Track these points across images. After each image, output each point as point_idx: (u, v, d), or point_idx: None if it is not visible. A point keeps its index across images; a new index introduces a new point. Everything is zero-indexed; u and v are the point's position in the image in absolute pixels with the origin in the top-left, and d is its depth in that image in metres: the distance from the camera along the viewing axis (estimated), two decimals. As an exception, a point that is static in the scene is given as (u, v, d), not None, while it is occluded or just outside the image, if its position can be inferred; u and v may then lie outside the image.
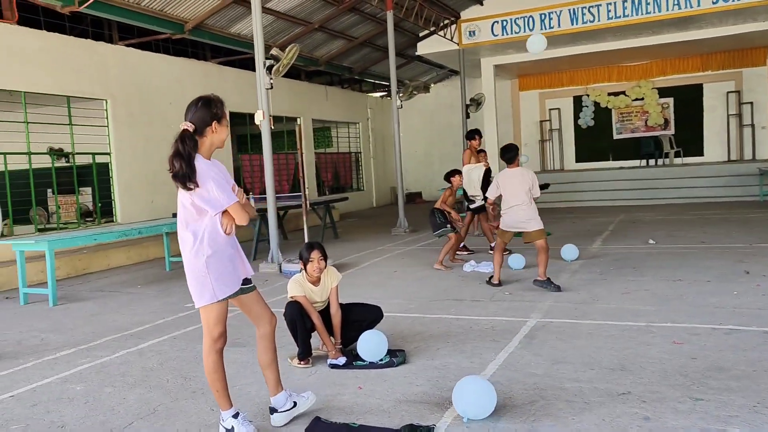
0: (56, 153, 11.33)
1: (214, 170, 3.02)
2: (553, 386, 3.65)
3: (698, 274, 6.63)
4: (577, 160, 20.21)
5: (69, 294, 7.95)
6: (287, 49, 8.35)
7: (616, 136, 19.76)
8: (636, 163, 18.84)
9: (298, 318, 4.37)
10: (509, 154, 6.80)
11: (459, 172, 8.45)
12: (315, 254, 4.43)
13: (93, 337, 5.64)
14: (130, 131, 11.56)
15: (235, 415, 3.21)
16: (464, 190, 9.23)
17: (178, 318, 6.23)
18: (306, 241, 4.55)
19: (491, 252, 9.07)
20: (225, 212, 3.04)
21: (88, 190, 11.86)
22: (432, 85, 22.31)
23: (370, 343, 4.36)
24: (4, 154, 9.77)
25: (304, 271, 4.49)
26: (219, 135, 3.10)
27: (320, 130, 19.52)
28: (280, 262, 8.63)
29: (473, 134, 9.55)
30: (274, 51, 8.35)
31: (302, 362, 4.40)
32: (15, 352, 5.28)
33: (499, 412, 3.34)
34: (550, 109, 20.50)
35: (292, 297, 4.44)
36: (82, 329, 5.97)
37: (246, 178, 15.17)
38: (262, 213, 9.54)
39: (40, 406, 3.88)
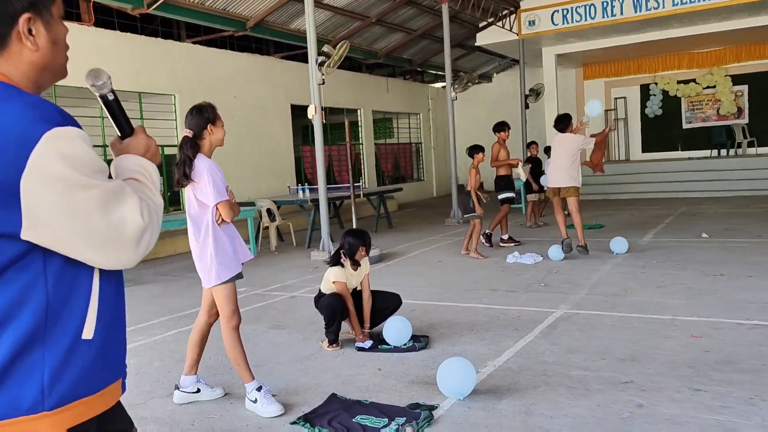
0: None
1: (213, 169, 3.40)
2: (559, 373, 3.81)
3: (741, 270, 6.51)
4: (644, 151, 19.66)
5: (136, 277, 8.60)
6: (338, 46, 8.67)
7: (685, 126, 19.08)
8: (706, 153, 18.14)
9: (339, 311, 4.65)
10: (561, 124, 8.06)
11: (482, 150, 8.49)
12: (365, 246, 4.72)
13: (151, 317, 6.17)
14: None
15: (259, 388, 3.55)
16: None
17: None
18: (361, 232, 4.81)
19: (502, 245, 9.17)
20: (217, 207, 3.40)
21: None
22: (495, 75, 22.18)
23: (395, 329, 4.63)
24: (82, 146, 10.61)
25: (345, 257, 4.74)
26: (216, 135, 3.49)
27: (381, 121, 19.83)
28: (330, 251, 9.00)
29: (502, 126, 9.48)
30: (325, 48, 8.69)
31: (332, 346, 4.71)
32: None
33: (502, 395, 3.54)
34: (616, 98, 19.99)
35: (335, 281, 4.70)
36: (143, 309, 6.53)
37: (306, 168, 15.69)
38: (317, 203, 9.93)
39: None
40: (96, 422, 1.27)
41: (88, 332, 1.24)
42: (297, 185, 13.11)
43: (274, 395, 3.67)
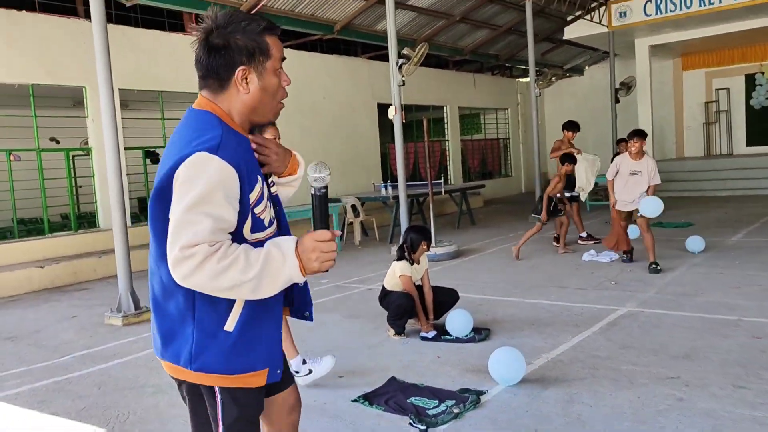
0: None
1: None
2: (608, 367, 3.97)
3: (829, 272, 6.27)
4: (749, 144, 18.57)
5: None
6: (417, 48, 8.99)
7: (795, 117, 17.87)
8: (818, 146, 16.94)
9: (408, 310, 5.00)
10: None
11: (572, 161, 8.55)
12: (427, 241, 5.08)
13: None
14: (286, 124, 12.97)
15: (303, 362, 3.99)
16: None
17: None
18: (423, 229, 5.21)
19: (580, 242, 9.12)
20: None
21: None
22: (586, 68, 21.68)
23: (457, 321, 4.92)
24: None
25: (408, 252, 5.07)
26: None
27: (469, 117, 19.94)
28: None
29: (571, 126, 9.39)
30: (405, 50, 9.03)
31: (398, 335, 5.06)
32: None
33: (548, 383, 3.77)
34: (718, 89, 18.99)
35: (401, 275, 5.05)
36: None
37: (392, 165, 16.12)
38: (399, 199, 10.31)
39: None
40: (224, 390, 1.69)
41: (229, 325, 1.63)
42: (382, 182, 13.57)
43: (340, 376, 4.09)
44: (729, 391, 3.44)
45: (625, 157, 7.20)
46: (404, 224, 9.60)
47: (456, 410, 3.46)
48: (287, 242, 1.57)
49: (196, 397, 1.76)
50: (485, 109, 19.96)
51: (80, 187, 11.79)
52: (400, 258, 5.11)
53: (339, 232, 1.67)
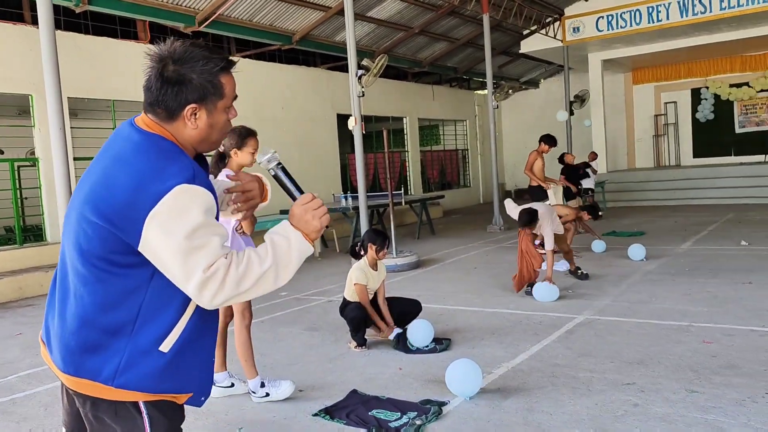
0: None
1: None
2: (567, 375, 4.02)
3: (773, 278, 6.51)
4: (695, 156, 19.26)
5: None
6: (376, 60, 9.03)
7: (738, 130, 18.62)
8: (760, 158, 17.66)
9: (362, 321, 4.99)
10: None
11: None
12: (375, 245, 5.06)
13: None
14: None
15: (262, 384, 3.96)
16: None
17: (270, 305, 7.09)
18: (378, 232, 5.22)
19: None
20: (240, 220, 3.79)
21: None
22: (542, 81, 22.17)
23: (418, 331, 4.92)
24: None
25: (366, 257, 5.07)
26: (240, 159, 3.86)
27: (428, 128, 20.11)
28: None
29: (549, 140, 9.56)
30: (364, 62, 9.07)
31: (359, 347, 5.02)
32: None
33: (509, 393, 3.79)
34: (666, 103, 19.67)
35: (355, 284, 5.04)
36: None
37: (352, 176, 16.11)
38: (359, 210, 10.29)
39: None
40: (147, 404, 1.65)
41: (165, 346, 1.61)
42: (342, 193, 13.54)
43: (300, 390, 4.02)
44: (682, 396, 3.52)
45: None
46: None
47: (418, 422, 3.45)
48: (282, 226, 1.66)
49: (111, 417, 1.65)
50: (444, 120, 20.18)
51: (26, 198, 11.39)
52: (352, 254, 5.17)
53: (317, 195, 1.71)
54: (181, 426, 1.77)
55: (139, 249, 1.54)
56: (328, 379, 4.34)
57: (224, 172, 3.83)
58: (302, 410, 3.78)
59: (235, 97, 1.72)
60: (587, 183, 13.54)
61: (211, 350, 1.74)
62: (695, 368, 3.96)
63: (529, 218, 6.40)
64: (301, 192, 1.71)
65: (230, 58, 1.73)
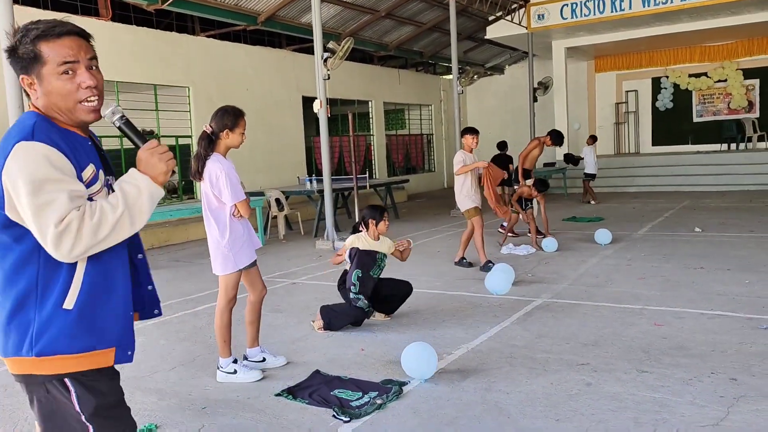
0: (148, 134, 12.61)
1: (229, 170, 3.79)
2: (524, 356, 4.16)
3: (722, 263, 6.78)
4: (654, 144, 19.75)
5: (150, 262, 9.05)
6: (342, 42, 9.01)
7: (696, 119, 19.14)
8: (716, 147, 18.21)
9: (359, 322, 5.04)
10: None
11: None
12: (374, 219, 5.13)
13: (162, 299, 6.59)
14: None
15: (235, 361, 4.01)
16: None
17: (233, 286, 7.10)
18: (375, 207, 5.26)
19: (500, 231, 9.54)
20: (236, 205, 3.81)
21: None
22: (507, 67, 22.35)
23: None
24: (99, 137, 11.06)
25: (366, 231, 5.13)
26: (231, 140, 3.87)
27: (393, 113, 20.13)
28: (334, 240, 9.39)
29: (556, 138, 9.44)
30: (330, 44, 9.03)
31: (324, 330, 5.06)
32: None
33: (468, 373, 3.90)
34: (627, 91, 20.08)
35: (351, 246, 5.10)
36: (153, 292, 6.96)
37: (317, 159, 16.06)
38: (324, 193, 10.30)
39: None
40: (75, 381, 1.70)
41: (68, 303, 1.67)
42: (307, 176, 13.51)
43: (263, 371, 4.07)
44: (633, 376, 3.69)
45: (465, 153, 7.44)
46: (329, 218, 9.63)
47: (379, 401, 3.53)
48: (130, 173, 1.71)
49: (44, 396, 1.72)
50: (409, 104, 20.22)
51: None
52: (354, 232, 5.22)
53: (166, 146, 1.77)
54: (119, 400, 1.80)
55: (6, 213, 1.63)
56: (292, 359, 4.39)
57: (215, 157, 3.82)
58: (265, 390, 3.83)
59: (72, 61, 1.70)
60: (589, 168, 13.83)
61: (122, 300, 1.76)
62: (646, 349, 4.14)
63: None
64: (145, 141, 1.76)
65: (61, 23, 1.74)
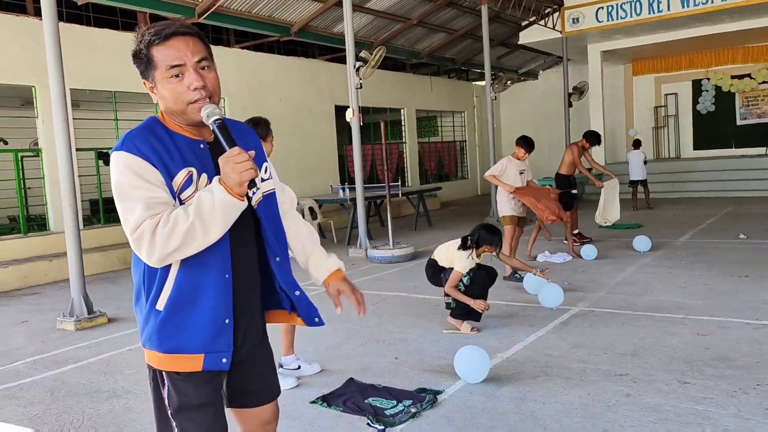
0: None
1: None
2: (561, 366, 4.09)
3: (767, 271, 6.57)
4: (695, 148, 19.25)
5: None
6: (374, 51, 9.05)
7: (739, 122, 18.60)
8: (761, 150, 17.66)
9: (488, 284, 5.15)
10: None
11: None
12: (493, 246, 5.06)
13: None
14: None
15: (279, 365, 4.05)
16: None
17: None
18: (495, 232, 5.21)
19: (565, 242, 9.33)
20: None
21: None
22: (541, 72, 22.14)
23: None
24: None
25: (475, 251, 5.07)
26: (266, 149, 3.90)
27: (425, 120, 20.12)
28: (367, 248, 9.41)
29: (592, 139, 9.32)
30: (362, 53, 9.08)
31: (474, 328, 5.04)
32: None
33: (503, 382, 3.86)
34: (666, 94, 19.65)
35: (458, 271, 5.01)
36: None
37: (350, 167, 16.13)
38: (356, 202, 10.34)
39: (148, 358, 4.90)
40: (170, 377, 1.79)
41: (160, 304, 1.75)
42: (339, 184, 13.59)
43: (298, 378, 4.11)
44: (674, 387, 3.59)
45: (511, 159, 7.24)
46: (361, 226, 9.65)
47: (413, 410, 3.52)
48: (213, 181, 1.69)
49: (150, 384, 1.85)
50: (442, 111, 20.17)
51: (29, 188, 11.43)
52: (463, 247, 5.08)
53: (253, 153, 1.70)
54: (203, 405, 1.79)
55: None
56: (326, 367, 4.41)
57: None
58: (300, 397, 3.85)
59: (178, 65, 1.70)
60: (637, 175, 13.43)
61: (212, 309, 1.75)
62: (688, 360, 4.03)
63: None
64: (232, 147, 1.69)
65: (169, 24, 1.75)
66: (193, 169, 1.73)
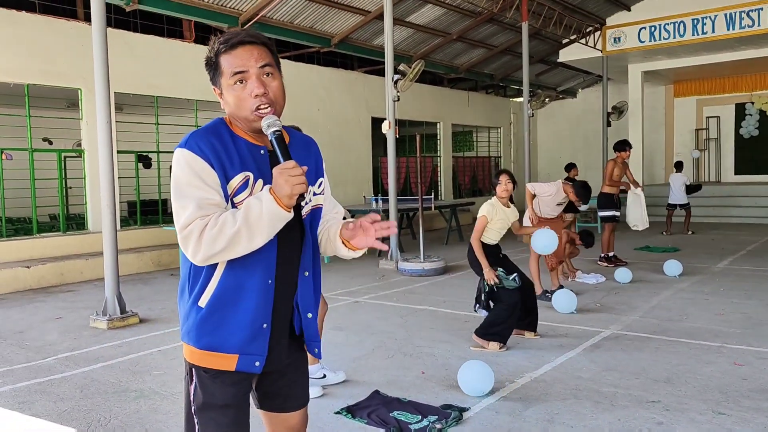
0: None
1: None
2: (590, 389, 4.00)
3: (811, 302, 6.35)
4: (737, 173, 18.79)
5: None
6: (413, 65, 9.08)
7: (783, 148, 18.12)
8: (805, 177, 17.17)
9: (518, 305, 4.99)
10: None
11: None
12: (503, 177, 5.19)
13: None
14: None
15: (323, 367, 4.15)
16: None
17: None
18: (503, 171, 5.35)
19: (599, 263, 9.17)
20: None
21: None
22: (579, 91, 21.93)
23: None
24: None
25: (496, 193, 5.22)
26: None
27: (461, 134, 20.07)
28: (398, 260, 9.39)
29: (622, 146, 9.11)
30: (401, 66, 9.13)
31: (502, 347, 4.97)
32: (168, 318, 6.54)
33: (531, 403, 3.79)
34: (708, 117, 19.25)
35: (482, 215, 5.10)
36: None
37: (384, 179, 16.18)
38: (388, 213, 10.34)
39: (177, 360, 4.96)
40: (203, 372, 1.82)
41: (203, 301, 1.79)
42: (373, 195, 13.62)
43: (323, 387, 4.10)
44: (708, 417, 3.48)
45: (560, 190, 7.01)
46: (393, 238, 9.64)
47: (438, 426, 3.48)
48: (263, 189, 1.72)
49: (184, 377, 1.89)
50: (478, 127, 20.10)
51: (70, 188, 11.74)
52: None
53: (306, 168, 1.72)
54: (226, 406, 1.81)
55: None
56: (351, 378, 4.39)
57: None
58: (324, 408, 3.84)
59: (240, 72, 1.76)
60: (677, 199, 13.04)
61: (251, 312, 1.77)
62: (724, 390, 3.91)
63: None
64: (287, 159, 1.72)
65: (237, 33, 1.80)
66: (250, 174, 1.77)
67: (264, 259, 1.76)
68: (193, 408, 1.83)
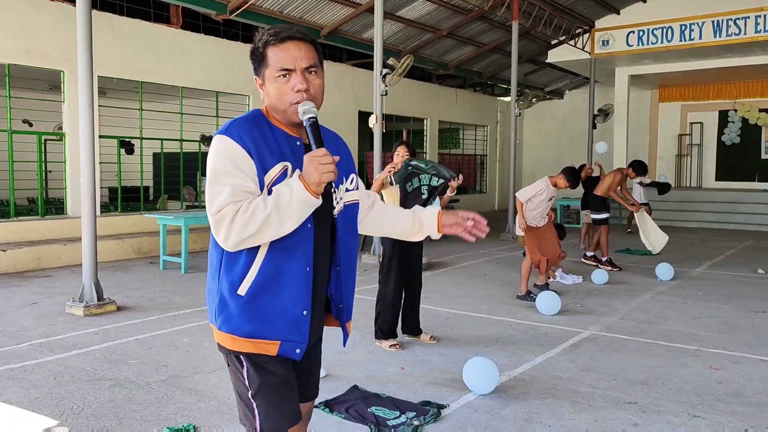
0: (207, 140, 12.92)
1: None
2: (568, 389, 4.02)
3: (786, 308, 6.44)
4: (717, 179, 19.03)
5: (199, 264, 9.22)
6: (402, 59, 9.05)
7: (764, 156, 18.36)
8: (784, 185, 17.41)
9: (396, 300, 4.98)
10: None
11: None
12: (401, 149, 5.14)
13: (203, 303, 6.69)
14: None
15: None
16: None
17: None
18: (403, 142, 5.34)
19: (584, 260, 9.25)
20: None
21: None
22: (566, 92, 22.04)
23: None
24: (161, 139, 11.40)
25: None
26: None
27: (448, 131, 20.08)
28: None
29: (639, 169, 9.20)
30: (390, 60, 9.09)
31: (394, 346, 4.97)
32: (146, 307, 6.47)
33: (509, 401, 3.80)
34: (692, 123, 19.45)
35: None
36: (201, 295, 7.08)
37: (369, 173, 16.14)
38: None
39: (154, 350, 4.90)
40: (248, 358, 1.84)
41: (242, 290, 1.80)
42: (358, 189, 13.55)
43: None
44: (684, 420, 3.51)
45: (549, 185, 6.88)
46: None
47: (416, 422, 3.47)
48: (294, 175, 1.77)
49: (228, 366, 1.91)
50: (465, 124, 20.13)
51: (50, 172, 11.56)
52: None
53: (337, 158, 1.77)
54: (284, 382, 1.87)
55: None
56: (332, 372, 4.37)
57: None
58: (303, 402, 3.81)
59: (287, 69, 1.81)
60: (636, 198, 13.24)
61: (292, 300, 1.81)
62: (700, 393, 3.94)
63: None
64: (319, 147, 1.77)
65: (287, 29, 1.85)
66: (289, 164, 1.81)
67: (302, 248, 1.80)
68: (250, 393, 1.86)
